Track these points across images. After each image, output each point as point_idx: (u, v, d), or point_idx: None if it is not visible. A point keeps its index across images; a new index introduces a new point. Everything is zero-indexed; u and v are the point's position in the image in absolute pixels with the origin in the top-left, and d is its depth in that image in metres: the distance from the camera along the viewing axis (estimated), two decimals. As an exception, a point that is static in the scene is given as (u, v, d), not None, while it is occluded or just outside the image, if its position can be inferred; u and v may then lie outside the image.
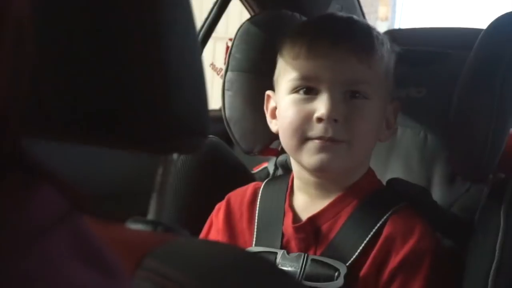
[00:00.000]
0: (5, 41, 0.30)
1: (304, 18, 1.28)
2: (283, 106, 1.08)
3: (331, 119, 1.01)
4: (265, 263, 0.47)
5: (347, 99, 1.03)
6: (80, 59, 0.39)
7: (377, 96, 1.06)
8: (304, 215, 1.10)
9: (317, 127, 1.02)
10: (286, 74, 1.08)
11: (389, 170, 1.32)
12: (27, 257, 0.28)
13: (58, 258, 0.30)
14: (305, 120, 1.03)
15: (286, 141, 1.09)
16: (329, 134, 1.02)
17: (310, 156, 1.04)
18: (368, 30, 1.08)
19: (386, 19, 4.35)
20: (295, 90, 1.05)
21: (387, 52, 1.09)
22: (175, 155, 1.24)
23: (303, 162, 1.07)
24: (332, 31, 1.05)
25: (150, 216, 1.16)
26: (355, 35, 1.05)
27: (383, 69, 1.07)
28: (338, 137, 1.02)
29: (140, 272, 0.42)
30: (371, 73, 1.04)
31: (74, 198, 0.33)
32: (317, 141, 1.03)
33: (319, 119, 1.01)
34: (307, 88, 1.04)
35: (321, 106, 1.01)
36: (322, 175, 1.08)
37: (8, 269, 0.27)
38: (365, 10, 2.18)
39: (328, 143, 1.02)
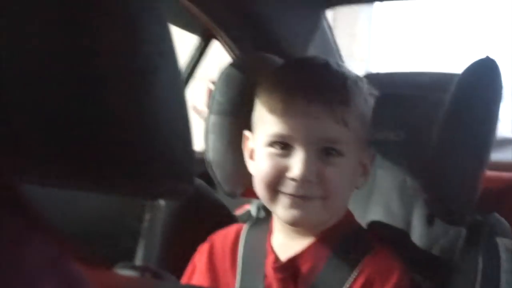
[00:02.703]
0: None
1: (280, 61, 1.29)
2: (259, 157, 1.08)
3: (306, 180, 1.01)
4: None
5: (322, 157, 1.03)
6: (61, 103, 0.37)
7: (353, 151, 1.06)
8: (283, 256, 1.10)
9: (290, 184, 1.02)
10: (263, 125, 1.08)
11: (370, 213, 1.33)
12: None
13: None
14: (279, 176, 1.03)
15: (259, 191, 1.09)
16: (301, 193, 1.02)
17: (283, 210, 1.05)
18: (345, 82, 1.06)
19: (362, 60, 4.40)
20: (271, 144, 1.05)
21: (364, 100, 1.09)
22: (161, 201, 1.24)
23: (277, 214, 1.08)
24: (307, 88, 1.04)
25: (138, 260, 1.16)
26: (331, 91, 1.04)
27: (359, 121, 1.07)
28: (311, 194, 1.02)
29: None
30: (347, 131, 1.04)
31: (63, 244, 0.32)
32: (290, 197, 1.03)
33: (292, 179, 1.01)
34: (283, 144, 1.04)
35: (295, 166, 1.01)
36: (296, 226, 1.09)
37: None
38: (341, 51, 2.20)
39: (300, 200, 1.02)
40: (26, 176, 0.38)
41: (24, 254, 0.31)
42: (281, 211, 1.05)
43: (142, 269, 1.01)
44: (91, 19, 0.37)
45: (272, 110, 1.04)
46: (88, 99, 0.37)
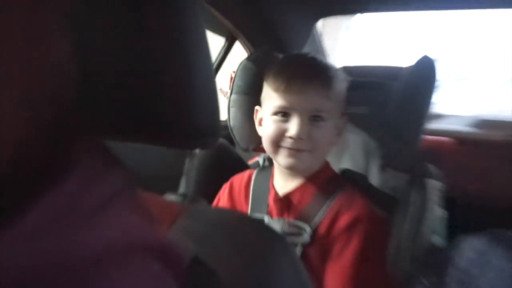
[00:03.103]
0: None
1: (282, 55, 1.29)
2: (266, 123, 1.10)
3: (297, 137, 1.03)
4: (258, 221, 0.49)
5: (311, 121, 1.05)
6: (135, 86, 0.38)
7: (332, 117, 1.08)
8: (281, 192, 1.13)
9: (288, 141, 1.05)
10: (269, 100, 1.09)
11: (342, 163, 1.34)
12: (100, 211, 0.28)
13: (119, 213, 0.30)
14: (280, 135, 1.06)
15: (266, 146, 1.11)
16: (296, 146, 1.05)
17: (282, 158, 1.07)
18: (328, 71, 1.08)
19: (341, 58, 4.30)
20: (275, 113, 1.07)
21: (341, 84, 1.10)
22: (197, 150, 1.26)
23: (278, 161, 1.10)
24: (303, 74, 1.05)
25: (181, 190, 1.18)
26: (320, 76, 1.05)
27: (338, 98, 1.09)
28: (302, 148, 1.05)
29: (175, 227, 0.42)
30: (329, 103, 1.06)
31: (132, 175, 0.32)
32: (287, 150, 1.06)
33: (290, 137, 1.04)
34: (283, 113, 1.06)
35: (292, 128, 1.04)
36: (292, 170, 1.11)
37: (90, 218, 0.27)
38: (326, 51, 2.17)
39: (295, 151, 1.05)
40: (117, 136, 0.38)
41: (109, 178, 0.31)
42: (282, 159, 1.07)
43: (183, 196, 1.05)
44: (152, 29, 0.37)
45: (276, 89, 1.06)
46: (152, 86, 0.38)
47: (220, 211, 0.53)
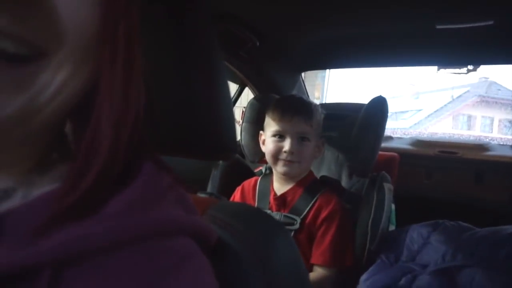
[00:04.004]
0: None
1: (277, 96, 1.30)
2: (268, 142, 1.10)
3: (290, 152, 1.04)
4: (264, 213, 0.49)
5: (299, 141, 1.05)
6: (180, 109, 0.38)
7: (314, 139, 1.07)
8: (278, 193, 1.11)
9: (283, 155, 1.05)
10: (269, 127, 1.09)
11: (320, 171, 1.32)
12: (160, 201, 0.29)
13: (169, 203, 0.30)
14: (278, 151, 1.06)
15: (268, 159, 1.10)
16: (289, 159, 1.05)
17: (280, 167, 1.07)
18: (310, 106, 1.09)
19: (318, 98, 4.34)
20: (274, 135, 1.07)
21: (319, 115, 1.10)
22: (220, 162, 1.26)
23: (277, 170, 1.10)
24: (293, 108, 1.06)
25: (208, 190, 1.18)
26: (304, 110, 1.06)
27: (317, 125, 1.09)
28: (294, 159, 1.05)
29: (205, 216, 0.42)
30: (311, 128, 1.06)
31: (176, 178, 0.32)
32: (283, 161, 1.06)
33: (285, 152, 1.04)
34: (279, 135, 1.06)
35: (286, 145, 1.04)
36: (286, 176, 1.10)
37: (151, 206, 0.28)
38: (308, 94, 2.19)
39: (289, 162, 1.05)
40: (165, 151, 0.38)
41: (162, 178, 0.30)
42: (279, 168, 1.07)
43: (210, 194, 1.05)
44: (194, 77, 0.38)
45: (274, 119, 1.07)
46: (190, 116, 0.38)
47: (237, 205, 0.51)
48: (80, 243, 0.23)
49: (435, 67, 1.71)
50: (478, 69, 1.66)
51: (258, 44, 1.38)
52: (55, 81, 0.23)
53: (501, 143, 2.05)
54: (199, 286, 0.27)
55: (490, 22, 1.11)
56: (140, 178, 0.28)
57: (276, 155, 1.07)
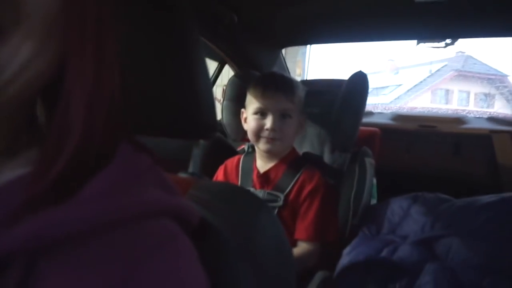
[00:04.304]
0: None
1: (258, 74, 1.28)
2: (250, 120, 1.09)
3: (272, 129, 1.04)
4: (247, 191, 0.49)
5: (281, 118, 1.05)
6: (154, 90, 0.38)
7: (295, 115, 1.07)
8: (261, 170, 1.11)
9: (265, 132, 1.05)
10: (251, 104, 1.08)
11: (303, 147, 1.33)
12: (138, 183, 0.28)
13: (149, 185, 0.29)
14: (260, 128, 1.06)
15: (250, 137, 1.10)
16: (271, 136, 1.04)
17: (262, 145, 1.07)
18: (291, 82, 1.08)
19: (300, 75, 4.32)
20: (255, 113, 1.07)
21: (301, 92, 1.10)
22: (201, 141, 1.24)
23: (259, 147, 1.10)
24: (274, 84, 1.06)
25: (190, 170, 1.17)
26: (286, 87, 1.05)
27: (298, 101, 1.08)
28: (276, 137, 1.05)
29: (187, 196, 0.42)
30: (293, 105, 1.06)
31: (156, 158, 0.32)
32: (266, 138, 1.05)
33: (267, 129, 1.04)
34: (261, 113, 1.06)
35: (268, 123, 1.04)
36: (269, 154, 1.10)
37: (129, 188, 0.27)
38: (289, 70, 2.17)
39: (271, 139, 1.05)
40: (142, 132, 0.38)
41: (141, 160, 0.30)
42: (262, 146, 1.07)
43: (192, 174, 1.04)
44: (169, 57, 0.38)
45: (255, 96, 1.06)
46: (169, 96, 0.39)
47: (220, 184, 0.52)
48: (55, 229, 0.22)
49: (414, 42, 1.72)
50: (456, 43, 1.68)
51: (236, 20, 1.35)
52: (17, 58, 0.23)
53: (477, 116, 2.10)
54: (182, 267, 0.27)
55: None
56: (118, 160, 0.28)
57: (258, 133, 1.07)
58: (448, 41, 1.64)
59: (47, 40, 0.24)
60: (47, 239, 0.22)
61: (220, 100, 1.31)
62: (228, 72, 1.76)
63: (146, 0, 0.37)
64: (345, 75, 1.34)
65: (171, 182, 0.32)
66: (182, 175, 0.90)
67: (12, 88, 0.23)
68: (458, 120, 1.90)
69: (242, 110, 1.15)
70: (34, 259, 0.22)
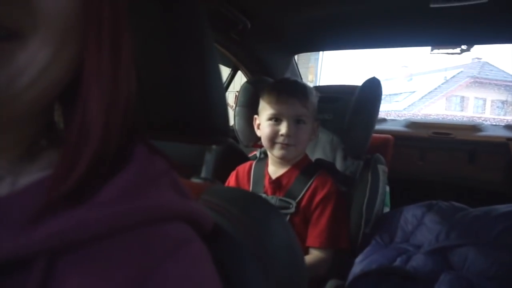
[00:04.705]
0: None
1: (272, 80, 1.28)
2: (264, 126, 1.09)
3: (287, 135, 1.04)
4: (259, 196, 0.48)
5: (295, 124, 1.05)
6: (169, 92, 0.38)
7: (309, 121, 1.07)
8: (273, 176, 1.11)
9: (280, 138, 1.05)
10: (265, 110, 1.08)
11: (315, 153, 1.32)
12: (153, 187, 0.28)
13: (164, 188, 0.29)
14: (275, 135, 1.06)
15: (264, 143, 1.10)
16: (285, 142, 1.04)
17: (277, 151, 1.07)
18: (305, 88, 1.08)
19: (312, 81, 4.31)
20: (270, 119, 1.07)
21: (314, 97, 1.10)
22: (213, 146, 1.25)
23: (273, 154, 1.09)
24: (288, 90, 1.06)
25: (202, 175, 1.17)
26: (299, 92, 1.06)
27: (312, 107, 1.08)
28: (290, 143, 1.05)
29: (200, 201, 0.42)
30: (307, 111, 1.06)
31: (171, 163, 0.32)
32: (280, 144, 1.05)
33: (281, 135, 1.04)
34: (276, 119, 1.06)
35: (283, 128, 1.04)
36: (283, 160, 1.10)
37: (145, 191, 0.27)
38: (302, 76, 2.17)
39: (285, 145, 1.05)
40: (156, 137, 0.38)
41: (156, 163, 0.30)
42: (276, 152, 1.07)
43: (204, 179, 1.04)
44: (185, 63, 0.38)
45: (269, 102, 1.07)
46: (183, 101, 0.38)
47: (232, 189, 0.52)
48: (75, 231, 0.23)
49: (429, 49, 1.71)
50: (472, 49, 1.66)
51: (249, 25, 1.35)
52: (36, 62, 0.23)
53: (494, 123, 2.07)
54: (197, 271, 0.27)
55: (485, 0, 1.10)
56: (133, 163, 0.28)
57: (272, 139, 1.07)
58: (464, 47, 1.62)
59: (64, 44, 0.25)
60: (67, 240, 0.23)
61: (232, 106, 1.31)
62: (240, 79, 1.77)
63: (160, 4, 0.37)
64: (357, 82, 1.33)
65: (185, 186, 0.32)
66: (194, 180, 0.90)
67: (31, 94, 0.24)
68: (474, 128, 1.87)
69: (255, 116, 1.15)
70: (54, 259, 0.23)
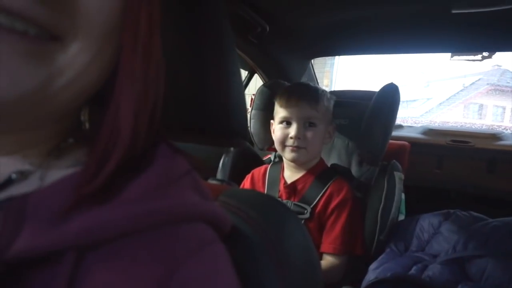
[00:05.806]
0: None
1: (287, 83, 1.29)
2: (276, 130, 1.09)
3: (297, 137, 1.04)
4: (275, 198, 0.48)
5: (305, 127, 1.05)
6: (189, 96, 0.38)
7: (321, 124, 1.06)
8: (288, 181, 1.10)
9: (290, 141, 1.05)
10: (277, 114, 1.09)
11: (330, 158, 1.32)
12: (176, 187, 0.29)
13: (187, 189, 0.29)
14: (285, 137, 1.06)
15: (277, 146, 1.10)
16: (296, 145, 1.04)
17: (287, 154, 1.07)
18: (316, 91, 1.08)
19: (327, 85, 4.29)
20: (281, 122, 1.07)
21: (327, 101, 1.09)
22: (231, 149, 1.25)
23: (284, 156, 1.10)
24: (297, 93, 1.06)
25: (218, 176, 1.17)
26: (309, 95, 1.05)
27: (325, 110, 1.07)
28: (300, 145, 1.04)
29: (218, 202, 0.42)
30: (318, 114, 1.05)
31: (193, 163, 0.32)
32: (290, 147, 1.05)
33: (291, 138, 1.04)
34: (286, 122, 1.06)
35: (292, 131, 1.04)
36: (295, 163, 1.10)
37: (169, 191, 0.28)
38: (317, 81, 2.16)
39: (295, 148, 1.05)
40: (175, 138, 0.38)
41: (179, 163, 0.30)
42: (287, 154, 1.07)
43: (221, 181, 1.05)
44: (207, 69, 0.38)
45: (281, 105, 1.07)
46: (203, 106, 0.39)
47: (248, 191, 0.52)
48: (103, 228, 0.24)
49: (448, 55, 1.68)
50: (493, 56, 1.62)
51: (268, 29, 1.36)
52: (75, 65, 0.24)
53: (514, 132, 2.01)
54: (218, 271, 0.27)
55: (509, 6, 1.08)
56: (157, 163, 0.28)
57: (283, 142, 1.07)
58: (485, 53, 1.59)
59: (103, 49, 0.25)
60: (96, 236, 0.23)
61: (249, 109, 1.32)
62: (256, 82, 1.77)
63: (183, 4, 0.38)
64: (373, 88, 1.32)
65: (205, 187, 0.33)
66: (212, 181, 0.91)
67: (67, 94, 0.25)
68: (493, 136, 1.83)
69: (272, 121, 1.15)
70: (83, 255, 0.23)
